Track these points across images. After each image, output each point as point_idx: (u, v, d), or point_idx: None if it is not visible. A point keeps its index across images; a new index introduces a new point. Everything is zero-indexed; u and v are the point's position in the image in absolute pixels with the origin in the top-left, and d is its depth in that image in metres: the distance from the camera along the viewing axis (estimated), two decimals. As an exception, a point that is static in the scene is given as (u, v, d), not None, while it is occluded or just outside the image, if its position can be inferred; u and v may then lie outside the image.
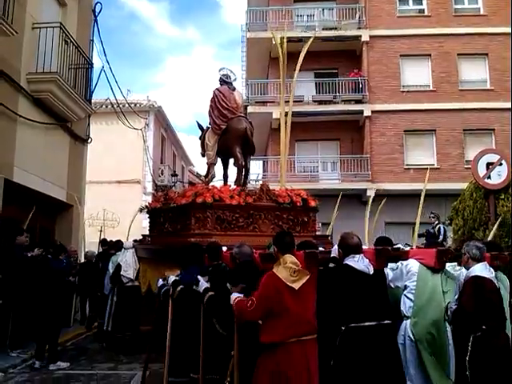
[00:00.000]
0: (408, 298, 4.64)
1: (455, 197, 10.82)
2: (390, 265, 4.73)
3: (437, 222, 11.92)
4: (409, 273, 4.67)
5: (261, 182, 19.33)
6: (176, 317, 5.21)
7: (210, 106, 8.39)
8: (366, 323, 4.02)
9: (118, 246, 9.27)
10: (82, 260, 11.88)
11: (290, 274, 3.92)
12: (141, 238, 9.14)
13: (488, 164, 9.30)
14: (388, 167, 18.63)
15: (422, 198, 7.21)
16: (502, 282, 4.81)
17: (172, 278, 5.23)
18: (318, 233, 17.13)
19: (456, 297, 4.53)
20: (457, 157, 18.54)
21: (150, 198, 20.90)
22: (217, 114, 8.25)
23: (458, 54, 19.30)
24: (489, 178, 9.18)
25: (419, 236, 11.91)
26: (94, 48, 13.77)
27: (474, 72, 19.35)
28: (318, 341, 4.03)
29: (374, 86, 19.18)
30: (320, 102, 19.38)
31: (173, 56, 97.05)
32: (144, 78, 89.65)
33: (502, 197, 8.92)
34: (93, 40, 13.70)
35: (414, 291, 4.61)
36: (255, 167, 22.85)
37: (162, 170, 23.49)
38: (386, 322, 4.14)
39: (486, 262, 4.57)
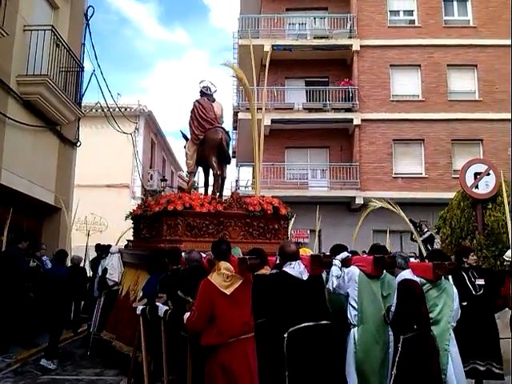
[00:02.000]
0: (352, 306, 4.80)
1: (443, 206, 10.89)
2: (336, 272, 4.99)
3: (426, 229, 12.00)
4: (350, 280, 4.85)
5: (250, 188, 19.40)
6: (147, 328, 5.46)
7: (190, 117, 8.69)
8: (304, 324, 4.34)
9: (108, 250, 9.40)
10: (69, 264, 11.78)
11: (224, 279, 4.27)
12: (126, 243, 9.41)
13: (476, 174, 9.41)
14: (377, 176, 18.73)
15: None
16: (445, 290, 5.07)
17: (140, 308, 5.39)
18: (304, 239, 17.23)
19: (395, 300, 4.75)
20: (445, 166, 18.69)
21: (138, 203, 20.88)
22: (196, 124, 8.54)
23: (448, 65, 19.49)
24: (476, 187, 9.27)
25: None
26: (86, 51, 13.75)
27: (463, 83, 19.53)
28: (263, 344, 4.39)
29: (363, 94, 19.30)
30: (310, 110, 19.44)
31: (163, 60, 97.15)
32: (134, 82, 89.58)
33: (490, 206, 9.02)
34: (84, 43, 13.66)
35: (356, 298, 4.78)
36: (246, 174, 22.86)
37: (152, 175, 23.38)
38: (323, 322, 4.45)
39: (409, 270, 4.86)
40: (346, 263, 5.12)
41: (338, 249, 5.53)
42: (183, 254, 5.35)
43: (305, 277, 4.53)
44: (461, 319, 6.31)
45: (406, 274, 4.81)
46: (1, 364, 7.80)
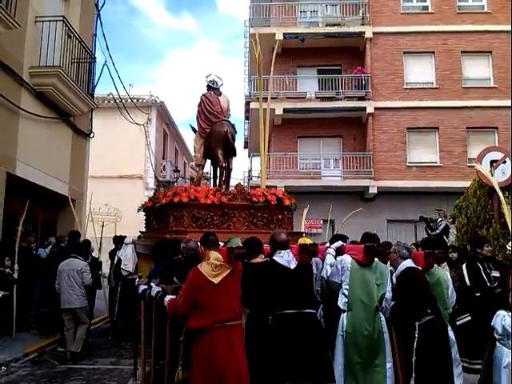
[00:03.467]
0: (343, 293, 4.92)
1: (457, 195, 10.78)
2: (330, 261, 5.15)
3: (440, 218, 11.75)
4: (343, 268, 4.97)
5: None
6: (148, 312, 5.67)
7: (198, 110, 8.92)
8: (287, 311, 4.51)
9: (122, 241, 9.73)
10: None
11: (212, 269, 4.42)
12: (139, 234, 9.65)
13: (492, 161, 9.27)
14: (390, 165, 18.57)
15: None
16: (440, 278, 5.18)
17: (142, 288, 5.57)
18: (318, 230, 17.19)
19: (389, 287, 4.89)
20: (459, 155, 18.46)
21: (151, 194, 20.96)
22: (203, 118, 8.76)
23: (462, 52, 19.18)
24: (493, 175, 9.14)
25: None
26: (97, 42, 13.74)
27: (478, 70, 19.23)
28: (251, 327, 4.62)
29: (377, 82, 19.09)
30: (323, 99, 19.27)
31: (174, 50, 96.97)
32: (145, 73, 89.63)
33: (506, 194, 8.89)
34: (96, 34, 13.65)
35: (348, 286, 4.90)
36: (258, 164, 22.75)
37: (164, 166, 23.42)
38: (307, 310, 4.61)
39: (411, 260, 4.94)
40: (340, 252, 5.28)
41: (336, 238, 5.69)
42: (181, 243, 5.52)
43: (292, 265, 4.70)
44: (474, 311, 6.29)
45: (408, 263, 4.89)
46: (18, 353, 7.89)
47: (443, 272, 5.39)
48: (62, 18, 10.69)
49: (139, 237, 9.51)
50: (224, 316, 4.37)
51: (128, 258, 9.09)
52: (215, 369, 4.27)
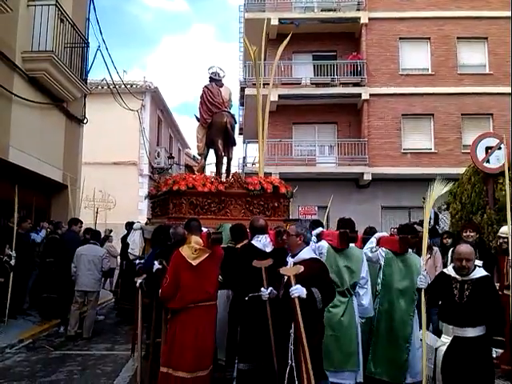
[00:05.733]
0: None
1: (452, 181, 10.77)
2: (312, 247, 5.20)
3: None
4: (321, 253, 5.20)
5: (257, 166, 19.31)
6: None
7: (200, 101, 9.21)
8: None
9: (131, 226, 9.84)
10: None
11: (192, 251, 4.81)
12: (146, 220, 10.11)
13: (487, 148, 9.27)
14: (385, 151, 18.56)
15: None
16: (413, 263, 5.45)
17: (139, 281, 5.91)
18: (314, 216, 17.24)
19: (364, 273, 5.17)
20: (454, 141, 18.47)
21: (146, 180, 20.96)
22: (205, 108, 9.03)
23: (458, 38, 19.09)
24: (488, 161, 9.15)
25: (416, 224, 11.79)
26: (90, 27, 13.57)
27: (473, 56, 19.18)
28: (233, 308, 5.11)
29: (372, 68, 19.00)
30: (318, 85, 19.17)
31: (168, 35, 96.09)
32: (139, 58, 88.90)
33: (501, 181, 8.90)
34: (89, 19, 13.48)
35: None
36: (252, 150, 22.70)
37: (159, 152, 23.30)
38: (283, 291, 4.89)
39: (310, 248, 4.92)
40: (320, 237, 5.54)
41: (316, 224, 6.04)
42: (171, 229, 5.76)
43: (268, 249, 5.06)
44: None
45: (309, 252, 4.45)
46: (13, 340, 7.90)
47: (417, 258, 5.59)
48: (54, 3, 10.53)
49: (146, 223, 9.71)
50: (199, 296, 4.75)
51: (136, 243, 9.24)
52: (180, 345, 4.66)
